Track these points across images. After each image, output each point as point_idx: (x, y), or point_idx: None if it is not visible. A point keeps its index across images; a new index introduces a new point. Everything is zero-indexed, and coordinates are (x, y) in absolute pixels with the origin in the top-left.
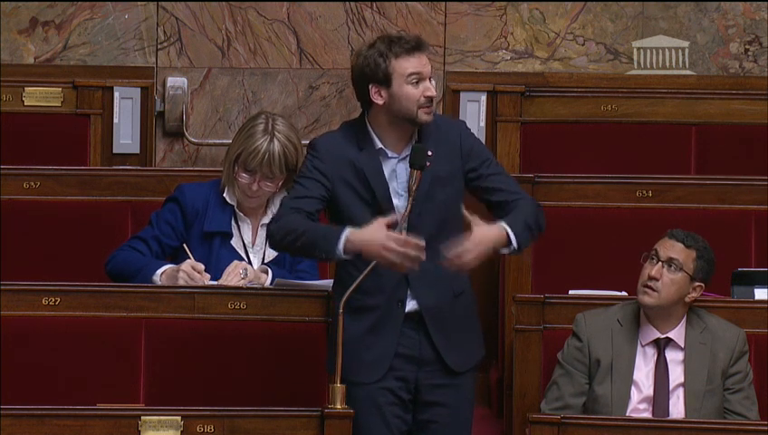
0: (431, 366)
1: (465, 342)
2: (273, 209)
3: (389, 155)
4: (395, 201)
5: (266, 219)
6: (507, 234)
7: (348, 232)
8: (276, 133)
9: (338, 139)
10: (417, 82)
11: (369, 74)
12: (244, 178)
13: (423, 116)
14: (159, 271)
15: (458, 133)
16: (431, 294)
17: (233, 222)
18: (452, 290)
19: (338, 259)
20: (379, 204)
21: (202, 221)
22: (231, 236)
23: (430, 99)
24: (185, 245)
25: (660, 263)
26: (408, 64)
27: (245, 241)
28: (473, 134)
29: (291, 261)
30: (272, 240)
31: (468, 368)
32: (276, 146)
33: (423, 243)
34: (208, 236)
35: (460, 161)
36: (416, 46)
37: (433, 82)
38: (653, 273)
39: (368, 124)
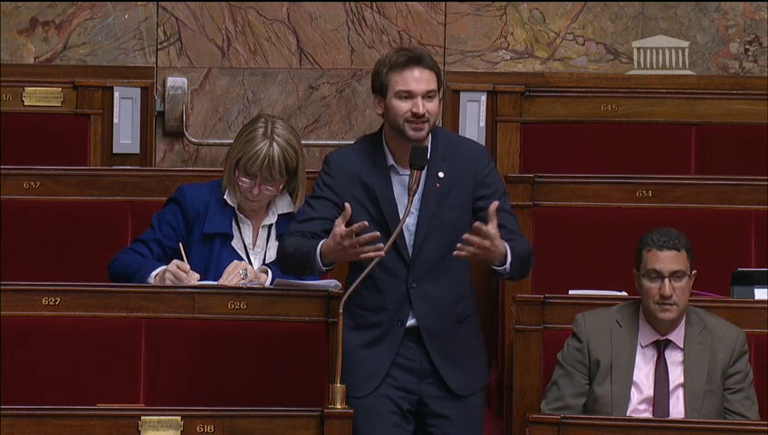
0: (432, 379)
1: (469, 366)
2: (275, 210)
3: (400, 172)
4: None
5: (267, 221)
6: (506, 253)
7: (320, 247)
8: (276, 137)
9: (352, 154)
10: (405, 98)
11: (372, 83)
12: (244, 182)
13: (410, 131)
14: (154, 273)
15: (476, 160)
16: (432, 316)
17: (233, 223)
18: (455, 315)
19: (326, 272)
20: (386, 221)
21: (203, 222)
22: (231, 237)
23: (416, 115)
24: (180, 245)
25: (667, 280)
26: (399, 79)
27: (246, 242)
28: (491, 163)
29: None
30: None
31: (471, 392)
32: (276, 150)
33: (366, 223)
34: (209, 238)
35: (471, 187)
36: (410, 60)
37: (436, 100)
38: (666, 292)
39: (383, 138)
